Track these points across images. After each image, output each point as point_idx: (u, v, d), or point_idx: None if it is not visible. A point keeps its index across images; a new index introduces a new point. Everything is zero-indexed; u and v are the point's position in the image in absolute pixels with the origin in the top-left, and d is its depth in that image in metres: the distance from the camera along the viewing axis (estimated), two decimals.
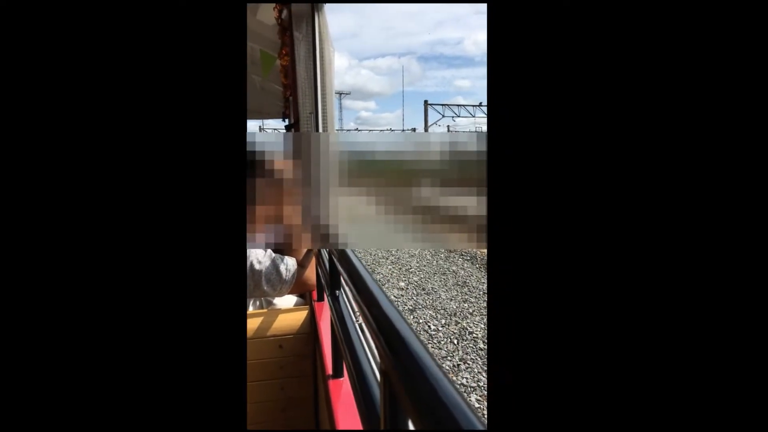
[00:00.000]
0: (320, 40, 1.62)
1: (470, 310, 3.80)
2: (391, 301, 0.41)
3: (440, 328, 3.43)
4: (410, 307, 3.89)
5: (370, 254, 6.01)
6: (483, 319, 3.59)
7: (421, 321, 3.59)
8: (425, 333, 3.36)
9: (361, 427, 0.51)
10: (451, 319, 3.61)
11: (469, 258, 5.65)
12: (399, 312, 0.39)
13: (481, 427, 0.22)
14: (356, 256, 0.58)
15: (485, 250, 5.79)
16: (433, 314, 3.73)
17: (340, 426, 0.66)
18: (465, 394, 2.46)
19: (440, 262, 5.52)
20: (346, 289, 0.72)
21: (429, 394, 0.27)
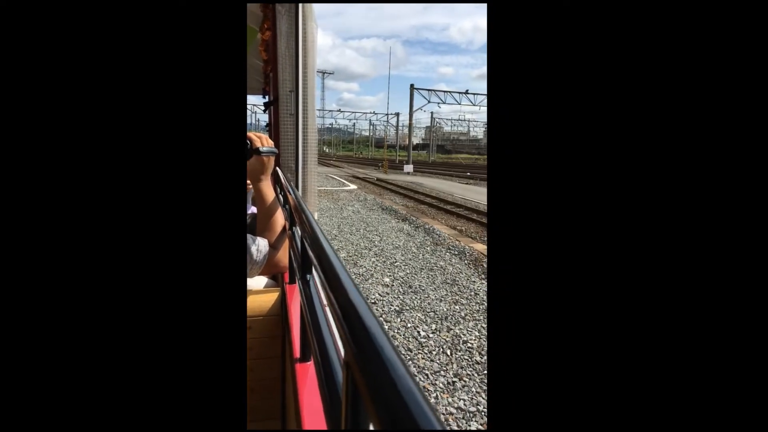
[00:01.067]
0: (303, 15, 1.60)
1: (462, 314, 3.68)
2: (359, 291, 0.40)
3: (431, 335, 3.29)
4: (397, 308, 3.76)
5: (352, 245, 5.96)
6: (477, 324, 3.47)
7: (409, 325, 3.45)
8: (415, 340, 3.21)
9: (323, 412, 0.52)
10: (442, 323, 3.50)
11: (456, 253, 5.62)
12: (366, 301, 0.38)
13: (439, 428, 0.20)
14: (327, 241, 0.56)
15: (474, 245, 5.82)
16: (423, 317, 3.60)
17: (305, 409, 0.66)
18: (463, 420, 2.36)
19: (426, 255, 5.47)
20: (316, 273, 0.71)
21: (390, 391, 0.26)
